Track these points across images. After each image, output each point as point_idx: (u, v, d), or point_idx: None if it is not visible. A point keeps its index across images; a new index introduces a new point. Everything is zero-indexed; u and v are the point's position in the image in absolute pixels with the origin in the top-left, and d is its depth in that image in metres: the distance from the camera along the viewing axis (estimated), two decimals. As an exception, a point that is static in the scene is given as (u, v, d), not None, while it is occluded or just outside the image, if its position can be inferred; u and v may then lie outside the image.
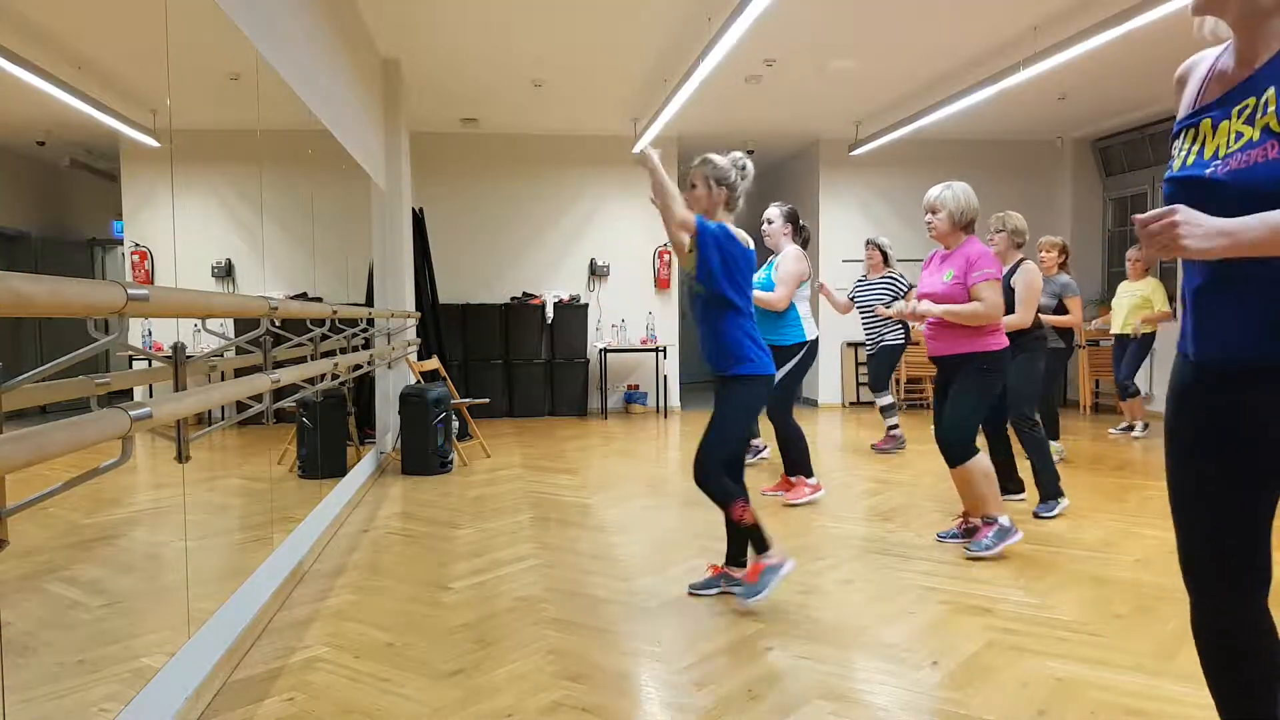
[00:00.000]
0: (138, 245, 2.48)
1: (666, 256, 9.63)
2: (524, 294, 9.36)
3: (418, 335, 7.26)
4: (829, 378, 9.87)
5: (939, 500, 4.88)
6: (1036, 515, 4.45)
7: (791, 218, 4.99)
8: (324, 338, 3.75)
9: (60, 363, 1.60)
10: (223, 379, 2.80)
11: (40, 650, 1.93)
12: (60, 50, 2.07)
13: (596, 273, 9.58)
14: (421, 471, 5.82)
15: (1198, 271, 1.51)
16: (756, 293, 4.39)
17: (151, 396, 2.13)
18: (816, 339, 5.00)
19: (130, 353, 2.25)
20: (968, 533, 3.94)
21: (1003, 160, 9.80)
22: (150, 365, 2.33)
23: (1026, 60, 6.28)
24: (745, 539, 3.23)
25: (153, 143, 2.47)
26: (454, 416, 6.31)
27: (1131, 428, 7.33)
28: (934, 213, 3.82)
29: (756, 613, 3.09)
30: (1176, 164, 1.53)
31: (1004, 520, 3.78)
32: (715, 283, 3.12)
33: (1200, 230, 1.32)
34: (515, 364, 9.13)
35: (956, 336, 3.80)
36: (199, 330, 2.78)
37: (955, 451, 3.80)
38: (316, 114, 4.20)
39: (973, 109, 7.53)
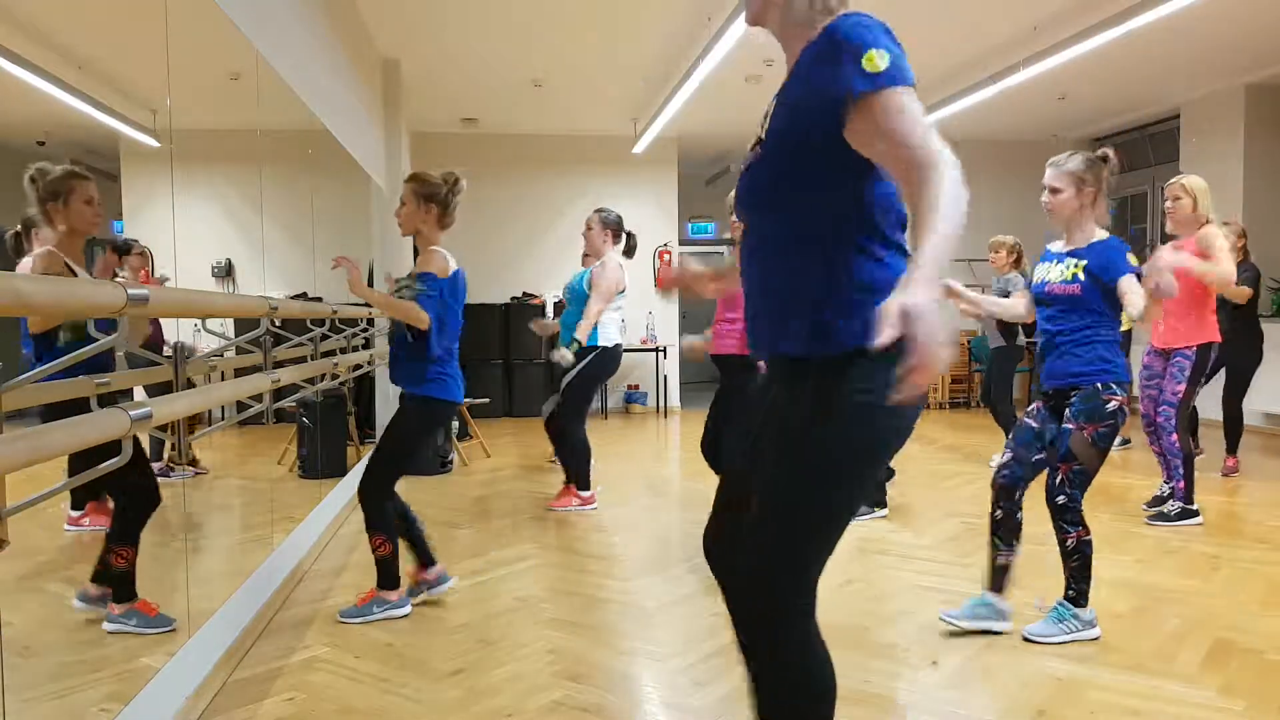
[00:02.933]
0: (138, 245, 2.48)
1: (667, 256, 9.63)
2: (524, 294, 9.36)
3: (418, 335, 7.25)
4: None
5: (938, 500, 4.88)
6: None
7: (612, 224, 4.76)
8: (324, 338, 3.75)
9: (60, 363, 1.60)
10: (223, 379, 2.80)
11: (40, 650, 1.93)
12: (60, 50, 2.07)
13: (596, 273, 9.57)
14: (421, 471, 5.82)
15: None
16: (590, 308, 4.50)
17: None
18: (618, 346, 4.71)
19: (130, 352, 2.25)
20: None
21: (1003, 160, 9.79)
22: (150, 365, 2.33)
23: (1026, 60, 6.29)
24: (424, 545, 3.19)
25: (153, 143, 2.47)
26: (454, 416, 6.31)
27: None
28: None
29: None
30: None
31: None
32: (438, 324, 3.02)
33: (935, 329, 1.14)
34: (515, 364, 9.14)
35: (742, 339, 3.95)
36: (199, 330, 2.78)
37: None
38: (316, 114, 4.20)
39: (972, 109, 7.53)
